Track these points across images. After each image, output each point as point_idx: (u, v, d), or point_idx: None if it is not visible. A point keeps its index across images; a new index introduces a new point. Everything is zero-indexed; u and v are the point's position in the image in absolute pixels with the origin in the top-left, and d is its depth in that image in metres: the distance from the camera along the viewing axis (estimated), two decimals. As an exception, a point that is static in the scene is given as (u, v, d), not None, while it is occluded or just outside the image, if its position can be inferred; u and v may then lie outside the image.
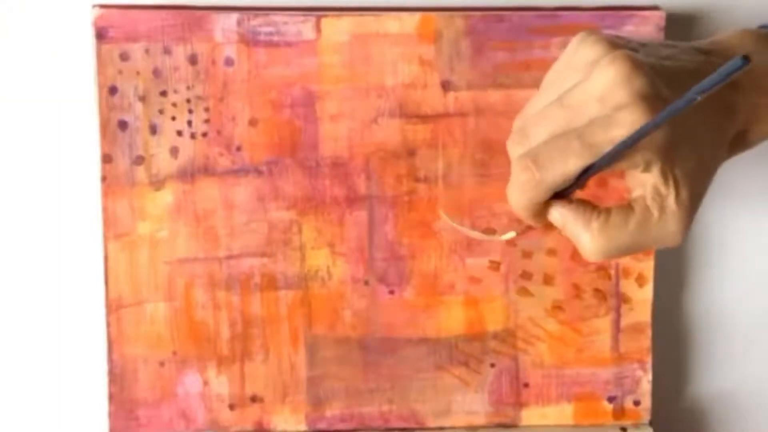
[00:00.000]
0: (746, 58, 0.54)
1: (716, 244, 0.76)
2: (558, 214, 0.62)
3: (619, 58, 0.59)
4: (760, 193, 0.76)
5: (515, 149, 0.62)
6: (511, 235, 0.66)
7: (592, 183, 0.62)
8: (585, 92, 0.60)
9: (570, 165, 0.59)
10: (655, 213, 0.61)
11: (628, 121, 0.58)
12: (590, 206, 0.61)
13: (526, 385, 0.74)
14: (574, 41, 0.62)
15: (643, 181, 0.61)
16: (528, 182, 0.60)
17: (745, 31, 0.65)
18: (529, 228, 0.65)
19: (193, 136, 0.71)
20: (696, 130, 0.61)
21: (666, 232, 0.61)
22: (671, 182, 0.60)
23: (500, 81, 0.72)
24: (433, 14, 0.71)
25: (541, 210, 0.62)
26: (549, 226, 0.63)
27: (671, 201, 0.60)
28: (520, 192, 0.61)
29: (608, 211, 0.61)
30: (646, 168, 0.60)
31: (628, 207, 0.61)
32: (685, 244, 0.76)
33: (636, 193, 0.61)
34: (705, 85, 0.56)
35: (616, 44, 0.61)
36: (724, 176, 0.76)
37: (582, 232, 0.61)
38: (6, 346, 0.75)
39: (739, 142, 0.64)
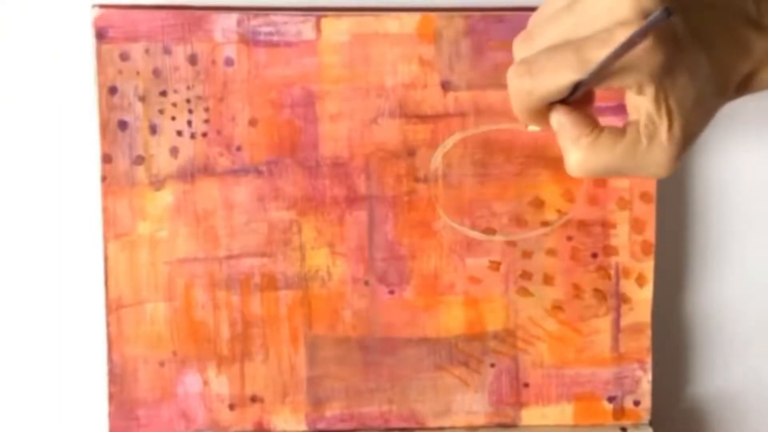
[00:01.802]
0: (668, 11, 0.53)
1: (716, 244, 0.76)
2: (556, 120, 0.61)
3: None
4: (760, 193, 0.76)
5: (519, 51, 0.61)
6: (535, 129, 0.63)
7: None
8: (596, 1, 0.58)
9: (562, 78, 0.58)
10: (644, 141, 0.59)
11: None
12: (587, 121, 0.60)
13: (526, 385, 0.74)
14: None
15: (639, 106, 0.59)
16: (520, 90, 0.59)
17: None
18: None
19: (193, 136, 0.71)
20: (700, 62, 0.59)
21: (651, 162, 0.60)
22: (664, 111, 0.59)
23: (500, 81, 0.71)
24: (433, 14, 0.71)
25: (542, 114, 0.61)
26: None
27: (662, 132, 0.59)
28: (514, 98, 0.60)
29: (600, 130, 0.60)
30: (639, 90, 0.59)
31: (620, 130, 0.60)
32: (686, 244, 0.76)
33: (632, 117, 0.60)
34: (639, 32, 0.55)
35: None
36: (724, 176, 0.76)
37: (570, 146, 0.60)
38: (6, 346, 0.75)
39: (747, 84, 0.62)
